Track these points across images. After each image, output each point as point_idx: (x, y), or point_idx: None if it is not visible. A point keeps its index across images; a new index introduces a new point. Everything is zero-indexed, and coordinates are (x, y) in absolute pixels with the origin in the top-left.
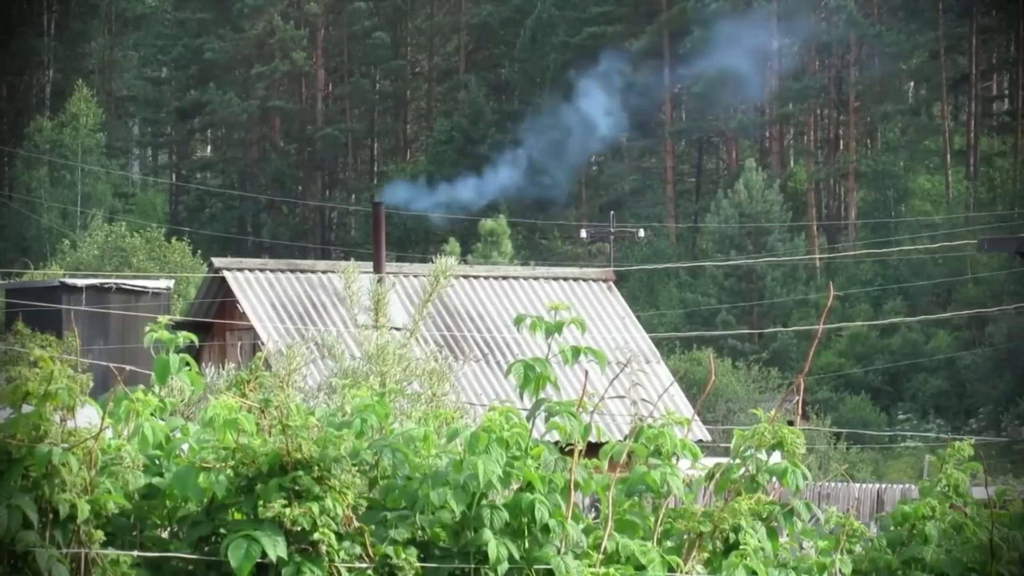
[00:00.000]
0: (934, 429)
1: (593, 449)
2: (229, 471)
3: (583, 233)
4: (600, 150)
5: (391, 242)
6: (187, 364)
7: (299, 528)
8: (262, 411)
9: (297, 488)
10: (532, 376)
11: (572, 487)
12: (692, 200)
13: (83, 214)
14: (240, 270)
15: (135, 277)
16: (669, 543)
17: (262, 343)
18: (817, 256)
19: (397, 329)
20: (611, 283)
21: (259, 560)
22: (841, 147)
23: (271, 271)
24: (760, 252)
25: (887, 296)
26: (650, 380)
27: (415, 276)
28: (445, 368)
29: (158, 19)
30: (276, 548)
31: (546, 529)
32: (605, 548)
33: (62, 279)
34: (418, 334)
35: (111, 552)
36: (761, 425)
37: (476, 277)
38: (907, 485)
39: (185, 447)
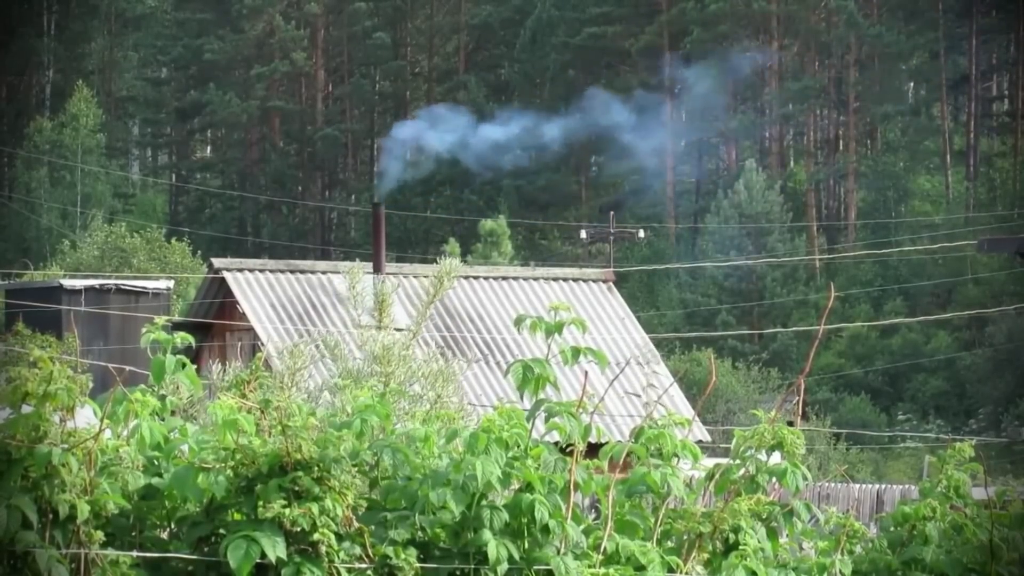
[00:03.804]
0: (934, 430)
1: (593, 449)
2: (229, 471)
3: (583, 234)
4: None
5: (391, 242)
6: (183, 365)
7: (299, 529)
8: (262, 412)
9: (297, 489)
10: (531, 376)
11: (572, 488)
12: (692, 200)
13: (83, 214)
14: (240, 271)
15: (135, 278)
16: (669, 543)
17: (262, 344)
18: (817, 257)
19: (399, 330)
20: (611, 283)
21: (259, 561)
22: (841, 147)
23: (271, 272)
24: (760, 252)
25: (887, 297)
26: (650, 381)
27: (415, 276)
28: (450, 370)
29: (158, 19)
30: (276, 549)
31: (546, 530)
32: (605, 548)
33: (62, 280)
34: (419, 335)
35: (111, 553)
36: (761, 426)
37: (476, 277)
38: (907, 486)
39: (184, 447)
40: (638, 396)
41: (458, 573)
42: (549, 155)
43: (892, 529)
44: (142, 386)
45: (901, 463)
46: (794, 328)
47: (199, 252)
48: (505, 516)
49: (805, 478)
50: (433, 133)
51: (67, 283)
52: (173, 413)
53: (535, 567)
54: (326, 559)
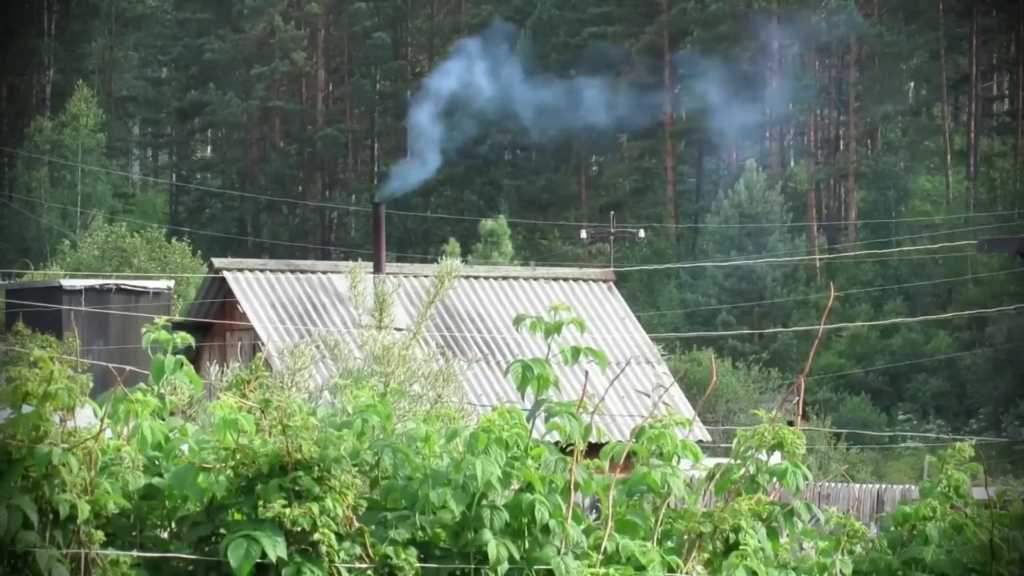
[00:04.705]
0: (934, 430)
1: (594, 449)
2: (229, 471)
3: (583, 233)
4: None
5: (391, 243)
6: (182, 365)
7: (299, 528)
8: (262, 411)
9: (297, 488)
10: (530, 376)
11: (572, 487)
12: (692, 200)
13: (83, 214)
14: (240, 270)
15: (135, 278)
16: (669, 543)
17: (262, 344)
18: (817, 257)
19: (399, 330)
20: (611, 283)
21: (259, 560)
22: (841, 147)
23: (271, 272)
24: (760, 252)
25: (887, 296)
26: (651, 381)
27: (415, 276)
28: (450, 370)
29: (158, 19)
30: (276, 548)
31: (546, 529)
32: (605, 548)
33: (62, 280)
34: (420, 335)
35: (111, 552)
36: (762, 426)
37: (476, 277)
38: (907, 486)
39: (185, 447)
40: (647, 395)
41: (458, 573)
42: (557, 151)
43: (892, 529)
44: (141, 384)
45: (901, 463)
46: (794, 328)
47: (199, 252)
48: (505, 516)
49: (805, 478)
50: (480, 82)
51: (67, 283)
52: (173, 413)
53: (535, 567)
54: (326, 559)
